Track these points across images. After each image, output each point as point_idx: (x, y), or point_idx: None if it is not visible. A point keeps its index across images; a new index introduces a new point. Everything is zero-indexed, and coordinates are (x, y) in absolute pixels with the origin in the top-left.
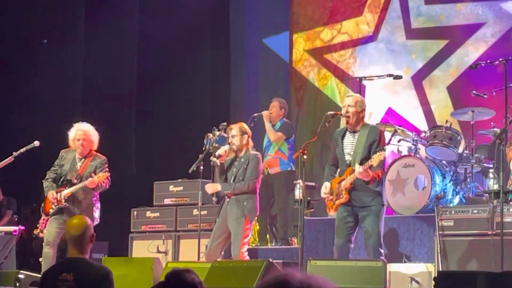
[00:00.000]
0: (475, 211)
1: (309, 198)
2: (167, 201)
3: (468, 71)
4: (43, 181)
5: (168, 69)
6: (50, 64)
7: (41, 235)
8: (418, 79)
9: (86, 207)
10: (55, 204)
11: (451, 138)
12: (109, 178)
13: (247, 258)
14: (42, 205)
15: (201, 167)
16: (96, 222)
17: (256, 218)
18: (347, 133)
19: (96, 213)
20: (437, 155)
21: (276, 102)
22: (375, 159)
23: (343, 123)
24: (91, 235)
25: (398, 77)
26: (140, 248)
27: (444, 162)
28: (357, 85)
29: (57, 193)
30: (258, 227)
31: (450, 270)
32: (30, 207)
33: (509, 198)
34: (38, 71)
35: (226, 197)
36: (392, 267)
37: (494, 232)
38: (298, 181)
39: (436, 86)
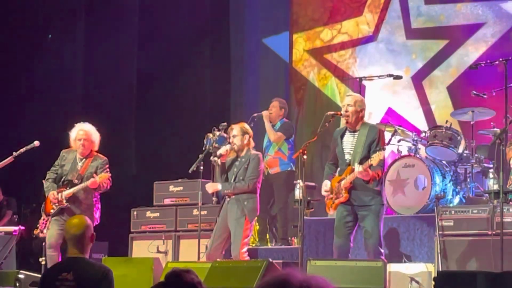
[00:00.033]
0: (475, 211)
1: (309, 198)
2: (167, 201)
3: (468, 71)
4: (44, 181)
5: (168, 69)
6: (50, 64)
7: (41, 235)
8: (418, 79)
9: (87, 208)
10: (56, 204)
11: (451, 138)
12: (110, 178)
13: (247, 258)
14: (43, 205)
15: (201, 167)
16: (96, 223)
17: (256, 218)
18: (347, 132)
19: (97, 214)
20: (437, 155)
21: (276, 102)
22: (374, 159)
23: (343, 123)
24: (91, 235)
25: (398, 77)
26: (140, 248)
27: (444, 162)
28: (357, 85)
29: (58, 193)
30: (258, 227)
31: (450, 270)
32: (30, 207)
33: (509, 198)
34: (38, 71)
35: (226, 196)
36: (392, 267)
37: (494, 232)
38: (298, 181)
39: (436, 86)
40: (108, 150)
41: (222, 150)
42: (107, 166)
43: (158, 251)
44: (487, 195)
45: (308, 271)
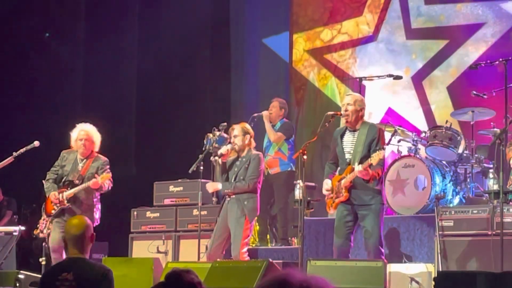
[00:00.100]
0: (475, 211)
1: (309, 198)
2: (167, 201)
3: (468, 71)
4: (44, 181)
5: (168, 69)
6: (50, 64)
7: (41, 235)
8: (418, 79)
9: (87, 208)
10: (57, 204)
11: (451, 138)
12: (111, 179)
13: (247, 258)
14: (43, 205)
15: (201, 167)
16: (96, 223)
17: (256, 218)
18: (347, 131)
19: (97, 214)
20: (437, 155)
21: (276, 102)
22: (374, 158)
23: (343, 123)
24: (91, 235)
25: (398, 77)
26: (140, 248)
27: (444, 162)
28: (357, 85)
29: (59, 193)
30: (258, 227)
31: (450, 270)
32: (30, 207)
33: (509, 198)
34: (38, 71)
35: (226, 196)
36: (392, 267)
37: (494, 232)
38: (298, 181)
39: (436, 86)
40: (108, 150)
41: (223, 150)
42: (108, 166)
43: (158, 251)
44: (487, 195)
45: (308, 271)
